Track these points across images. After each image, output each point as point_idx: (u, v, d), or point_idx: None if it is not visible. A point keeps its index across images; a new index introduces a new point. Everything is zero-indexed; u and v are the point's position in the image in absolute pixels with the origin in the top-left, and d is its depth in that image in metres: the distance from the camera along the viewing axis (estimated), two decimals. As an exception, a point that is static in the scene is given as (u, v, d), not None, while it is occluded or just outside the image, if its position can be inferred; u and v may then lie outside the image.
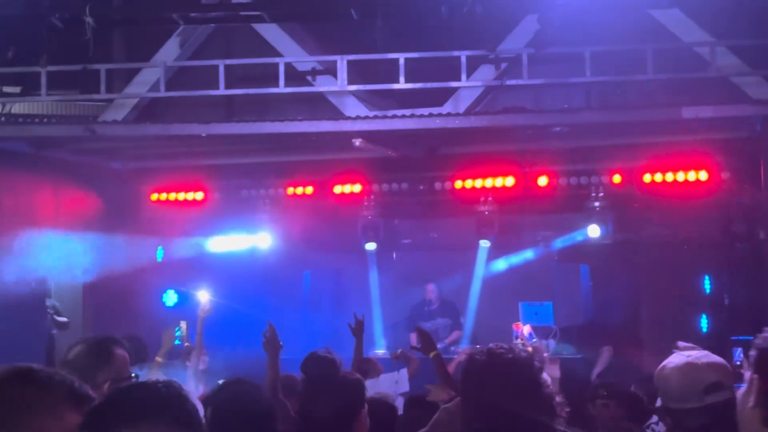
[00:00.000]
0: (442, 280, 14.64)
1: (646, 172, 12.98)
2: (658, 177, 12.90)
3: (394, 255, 15.49)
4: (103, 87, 12.37)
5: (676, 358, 3.93)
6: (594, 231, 13.42)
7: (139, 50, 14.16)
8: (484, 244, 14.09)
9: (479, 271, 14.41)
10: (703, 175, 12.91)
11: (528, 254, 14.40)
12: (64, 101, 14.19)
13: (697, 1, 10.99)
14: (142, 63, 13.53)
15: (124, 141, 12.87)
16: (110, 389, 3.79)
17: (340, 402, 4.93)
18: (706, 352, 3.95)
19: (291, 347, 11.08)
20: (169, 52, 13.55)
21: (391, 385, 8.84)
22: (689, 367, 3.86)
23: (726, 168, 12.93)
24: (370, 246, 14.24)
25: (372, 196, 14.16)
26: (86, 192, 13.24)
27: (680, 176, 12.85)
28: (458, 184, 13.64)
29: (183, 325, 8.53)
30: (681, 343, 3.99)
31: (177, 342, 10.60)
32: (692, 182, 12.89)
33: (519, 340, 11.46)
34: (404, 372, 9.26)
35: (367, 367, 8.73)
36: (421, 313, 14.43)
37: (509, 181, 13.44)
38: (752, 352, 3.24)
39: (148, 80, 13.40)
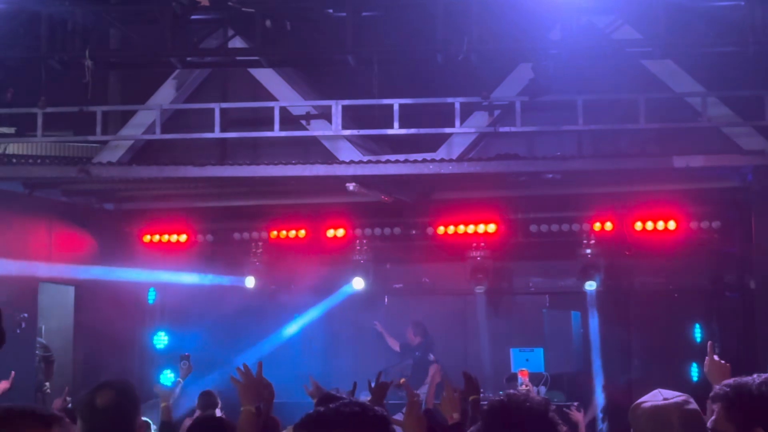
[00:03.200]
0: (434, 324, 14.59)
1: (637, 221, 13.04)
2: (650, 225, 12.95)
3: (386, 299, 15.47)
4: (98, 129, 12.40)
5: (652, 398, 3.95)
6: (591, 286, 13.50)
7: (134, 92, 14.22)
8: (480, 289, 14.09)
9: (480, 316, 14.39)
10: (694, 224, 12.99)
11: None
12: (59, 142, 14.22)
13: (690, 52, 11.11)
14: (139, 105, 13.60)
15: (118, 182, 12.90)
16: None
17: None
18: (684, 398, 3.94)
19: (282, 391, 11.05)
20: (166, 94, 13.62)
21: None
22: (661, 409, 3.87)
23: (717, 217, 13.00)
24: (358, 283, 14.19)
25: (364, 241, 14.18)
26: (79, 233, 13.24)
27: (671, 225, 12.91)
28: (450, 229, 13.68)
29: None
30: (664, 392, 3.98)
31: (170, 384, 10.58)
32: (682, 231, 12.95)
33: (524, 387, 11.51)
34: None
35: None
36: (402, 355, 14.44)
37: (501, 227, 13.49)
38: (714, 406, 3.29)
39: (143, 122, 13.45)
